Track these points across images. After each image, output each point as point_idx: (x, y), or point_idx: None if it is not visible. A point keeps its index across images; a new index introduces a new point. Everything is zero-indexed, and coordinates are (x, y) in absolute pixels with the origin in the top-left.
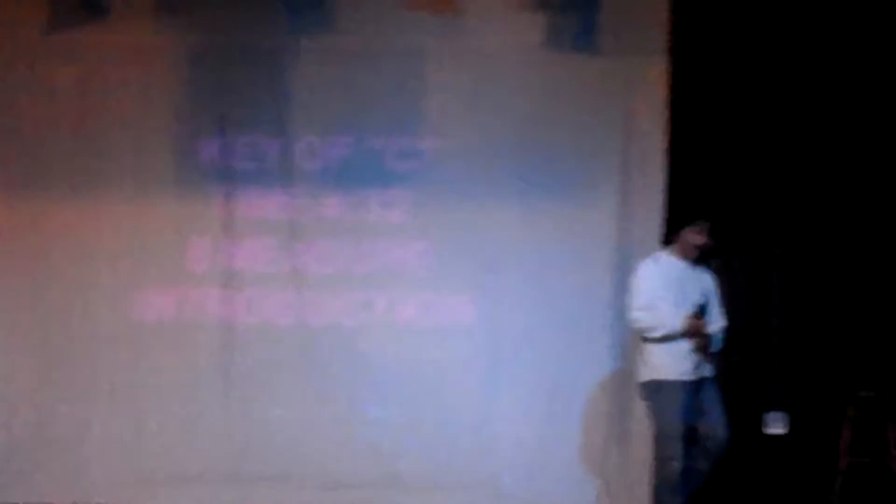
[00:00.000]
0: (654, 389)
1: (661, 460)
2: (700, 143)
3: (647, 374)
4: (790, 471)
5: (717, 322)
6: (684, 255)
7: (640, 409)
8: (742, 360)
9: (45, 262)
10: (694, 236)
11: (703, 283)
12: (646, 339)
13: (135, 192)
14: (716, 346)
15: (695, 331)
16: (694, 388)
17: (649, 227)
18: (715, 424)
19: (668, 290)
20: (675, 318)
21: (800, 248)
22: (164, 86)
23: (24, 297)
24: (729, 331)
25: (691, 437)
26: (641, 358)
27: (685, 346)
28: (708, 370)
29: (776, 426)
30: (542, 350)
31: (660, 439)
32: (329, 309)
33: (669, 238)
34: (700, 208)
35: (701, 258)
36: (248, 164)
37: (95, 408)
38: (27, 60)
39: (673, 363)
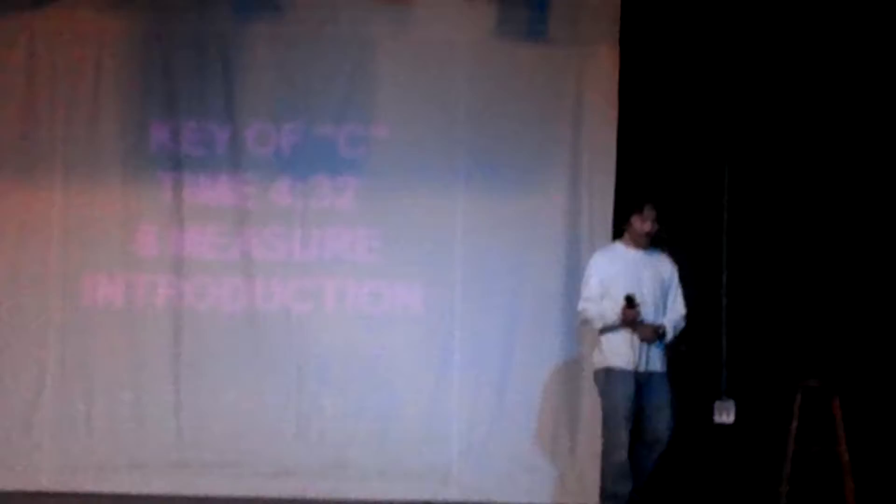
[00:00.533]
0: (604, 377)
1: (607, 447)
2: (650, 131)
3: (599, 361)
4: (738, 459)
5: (675, 310)
6: (635, 244)
7: (589, 398)
8: (690, 349)
9: None
10: (640, 223)
11: (660, 271)
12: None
13: (84, 177)
14: (673, 333)
15: (629, 321)
16: (642, 380)
17: (600, 216)
18: (657, 423)
19: (620, 280)
20: (616, 310)
21: (748, 236)
22: (113, 70)
23: None
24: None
25: (635, 431)
26: (597, 346)
27: (630, 334)
28: (658, 364)
29: (724, 415)
30: (491, 338)
31: (607, 427)
32: (278, 295)
33: (622, 228)
34: (646, 195)
35: (655, 244)
36: (197, 150)
37: (44, 393)
38: None
39: (622, 352)
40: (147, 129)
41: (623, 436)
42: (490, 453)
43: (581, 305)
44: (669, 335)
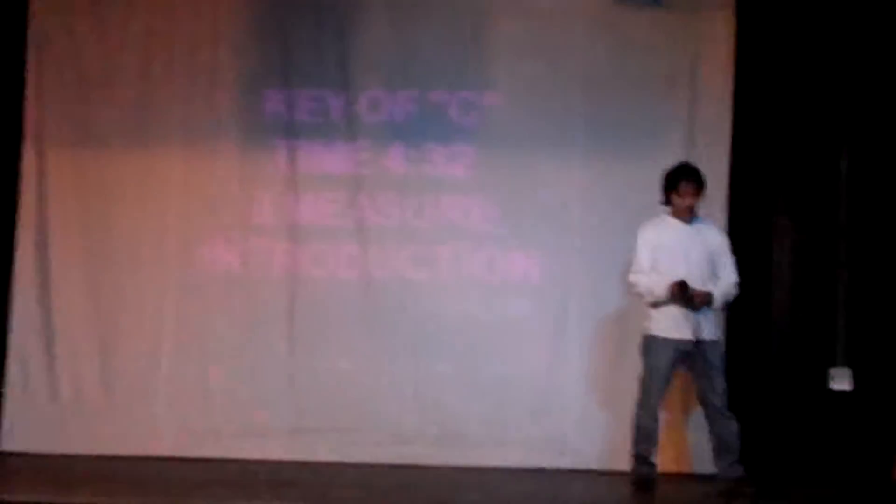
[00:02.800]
0: (647, 344)
1: (637, 410)
2: (766, 98)
3: (645, 328)
4: (855, 427)
5: (726, 278)
6: (679, 216)
7: None
8: (808, 316)
9: (112, 214)
10: (679, 199)
11: (708, 241)
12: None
13: (202, 145)
14: (723, 300)
15: (678, 299)
16: (690, 349)
17: (715, 182)
18: (707, 390)
19: (667, 251)
20: (666, 283)
21: (866, 202)
22: (229, 39)
23: (92, 248)
24: (741, 286)
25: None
26: (645, 312)
27: (678, 307)
28: (708, 332)
29: (841, 382)
30: (606, 307)
31: (641, 390)
32: (393, 263)
33: (666, 199)
34: (686, 171)
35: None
36: (311, 118)
37: (162, 359)
38: (93, 13)
39: (665, 321)
40: (262, 97)
41: (652, 400)
42: (605, 422)
43: (632, 278)
44: (718, 302)
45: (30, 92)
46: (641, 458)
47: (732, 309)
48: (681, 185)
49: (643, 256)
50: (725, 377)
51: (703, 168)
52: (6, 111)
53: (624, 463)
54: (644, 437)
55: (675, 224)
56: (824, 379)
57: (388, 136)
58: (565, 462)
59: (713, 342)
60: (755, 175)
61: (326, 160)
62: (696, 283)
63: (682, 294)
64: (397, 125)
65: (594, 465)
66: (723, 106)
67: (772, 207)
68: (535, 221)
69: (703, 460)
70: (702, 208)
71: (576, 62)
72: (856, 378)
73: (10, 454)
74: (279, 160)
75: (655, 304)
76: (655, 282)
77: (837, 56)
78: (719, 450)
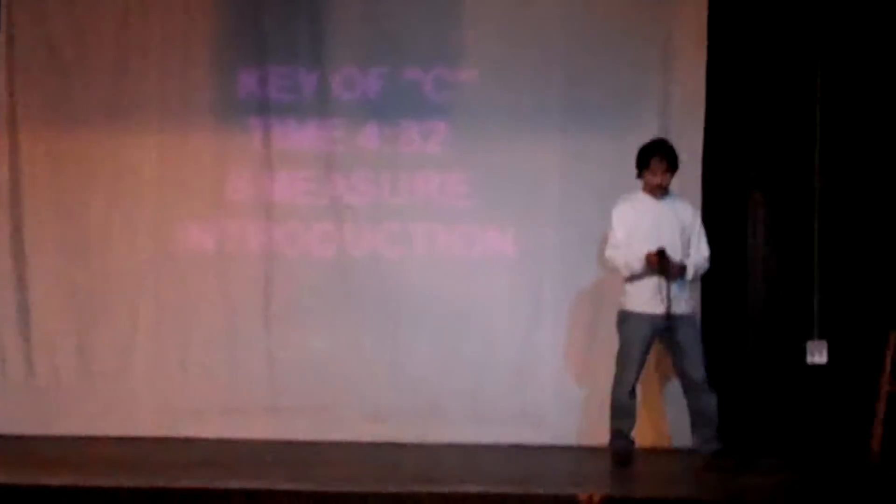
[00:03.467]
0: (622, 319)
1: (614, 385)
2: (739, 72)
3: (621, 302)
4: (831, 400)
5: (699, 252)
6: (651, 193)
7: None
8: (783, 290)
9: (86, 193)
10: (651, 177)
11: (680, 218)
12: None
13: (177, 124)
14: (694, 271)
15: (656, 267)
16: (665, 323)
17: (690, 157)
18: (686, 365)
19: (641, 227)
20: (642, 255)
21: (840, 176)
22: (202, 18)
23: (66, 228)
24: (717, 260)
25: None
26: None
27: (652, 282)
28: (683, 307)
29: (817, 355)
30: (582, 282)
31: (617, 365)
32: (368, 240)
33: (639, 177)
34: (655, 148)
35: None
36: (285, 96)
37: (138, 340)
38: None
39: (640, 295)
40: (235, 76)
41: (629, 376)
42: (583, 397)
43: (608, 253)
44: (690, 273)
45: (1, 74)
46: (619, 433)
47: (708, 284)
48: (652, 161)
49: (619, 232)
50: (703, 350)
51: (678, 145)
52: None
53: (602, 438)
54: (621, 412)
55: (647, 200)
56: (801, 353)
57: (363, 114)
58: (544, 437)
59: (688, 316)
60: (729, 151)
61: (300, 138)
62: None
63: (661, 262)
64: (371, 102)
65: (572, 441)
66: (697, 82)
67: (746, 183)
68: (511, 198)
69: (681, 435)
70: (677, 184)
71: (551, 39)
72: (831, 351)
73: None
74: (253, 138)
75: (632, 278)
76: (632, 254)
77: (811, 30)
78: (697, 424)
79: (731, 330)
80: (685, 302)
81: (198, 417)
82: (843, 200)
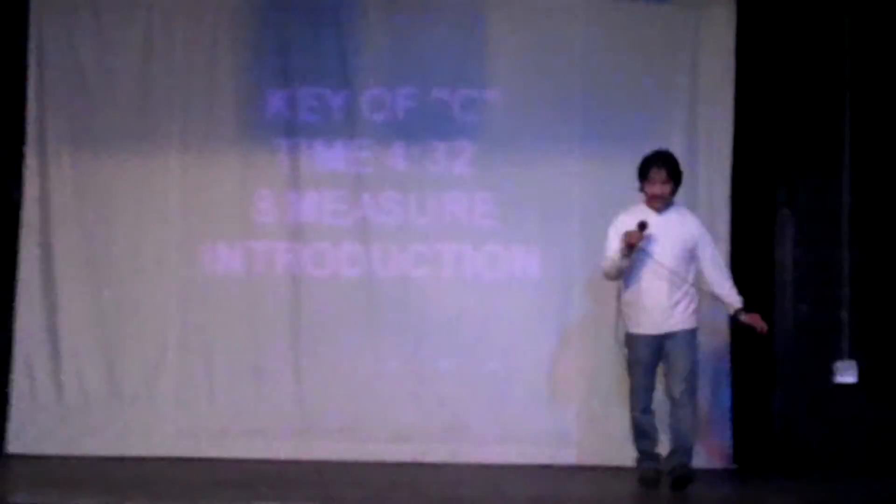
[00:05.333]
0: (627, 341)
1: (630, 408)
2: (768, 90)
3: (625, 325)
4: (860, 419)
5: (722, 274)
6: (651, 205)
7: (708, 360)
8: (812, 308)
9: (114, 215)
10: (649, 188)
11: (683, 230)
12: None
13: (202, 147)
14: (737, 292)
15: (633, 242)
16: (665, 342)
17: (717, 177)
18: (670, 382)
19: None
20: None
21: (870, 196)
22: (229, 39)
23: (94, 250)
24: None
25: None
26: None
27: (652, 301)
28: (679, 324)
29: (846, 375)
30: (607, 301)
31: (629, 388)
32: (395, 261)
33: (641, 190)
34: (658, 158)
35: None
36: (313, 117)
37: (166, 361)
38: (93, 13)
39: (638, 318)
40: (263, 97)
41: (641, 396)
42: (609, 417)
43: (602, 263)
44: (739, 302)
45: (31, 94)
46: (644, 454)
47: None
48: (650, 172)
49: (612, 243)
50: (693, 365)
51: (705, 162)
52: (8, 113)
53: (628, 458)
54: (641, 433)
55: (649, 212)
56: (830, 372)
57: (390, 134)
58: (569, 458)
59: (685, 332)
60: (758, 169)
61: (328, 159)
62: (665, 278)
63: (642, 229)
64: (399, 123)
65: (598, 461)
66: (725, 98)
67: (775, 200)
68: (536, 217)
69: (704, 456)
70: (706, 202)
71: (576, 57)
72: (861, 370)
73: (17, 456)
74: (281, 159)
75: (628, 302)
76: (610, 249)
77: (839, 49)
78: (672, 447)
79: (759, 347)
80: (684, 318)
81: (224, 438)
82: (873, 217)
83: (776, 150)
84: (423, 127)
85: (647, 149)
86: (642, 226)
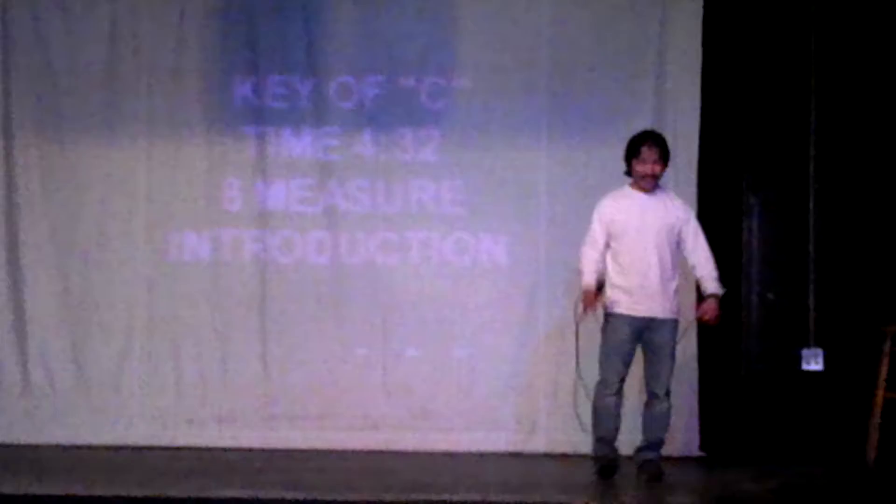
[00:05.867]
0: (606, 321)
1: (596, 389)
2: (734, 78)
3: (604, 305)
4: (827, 407)
5: (705, 261)
6: (641, 188)
7: (679, 347)
8: (778, 296)
9: (80, 202)
10: (641, 166)
11: (668, 213)
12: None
13: (168, 133)
14: (718, 280)
15: (586, 304)
16: (646, 326)
17: (684, 165)
18: (651, 367)
19: (627, 224)
20: (594, 272)
21: (836, 182)
22: (196, 26)
23: (60, 237)
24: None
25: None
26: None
27: (637, 283)
28: (660, 310)
29: (813, 362)
30: (575, 288)
31: (600, 369)
32: (363, 248)
33: (628, 170)
34: (645, 136)
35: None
36: (280, 104)
37: (133, 348)
38: (59, 3)
39: (622, 297)
40: (230, 84)
41: (612, 379)
42: (576, 405)
43: (582, 249)
44: (718, 289)
45: None
46: (603, 440)
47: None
48: (643, 149)
49: (595, 228)
50: (673, 357)
51: (672, 148)
52: None
53: None
54: (603, 416)
55: (634, 196)
56: (797, 359)
57: (357, 122)
58: (537, 445)
59: (669, 320)
60: (724, 155)
61: (295, 146)
62: (650, 257)
63: (592, 298)
64: (366, 110)
65: (566, 449)
66: (692, 87)
67: (741, 186)
68: (504, 204)
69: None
70: (672, 187)
71: (542, 46)
72: (827, 357)
73: None
74: (248, 147)
75: (613, 282)
76: (589, 270)
77: (806, 32)
78: (644, 440)
79: (726, 335)
80: (668, 305)
81: (191, 426)
82: (839, 204)
83: (743, 136)
84: (391, 114)
85: (615, 136)
86: (599, 287)
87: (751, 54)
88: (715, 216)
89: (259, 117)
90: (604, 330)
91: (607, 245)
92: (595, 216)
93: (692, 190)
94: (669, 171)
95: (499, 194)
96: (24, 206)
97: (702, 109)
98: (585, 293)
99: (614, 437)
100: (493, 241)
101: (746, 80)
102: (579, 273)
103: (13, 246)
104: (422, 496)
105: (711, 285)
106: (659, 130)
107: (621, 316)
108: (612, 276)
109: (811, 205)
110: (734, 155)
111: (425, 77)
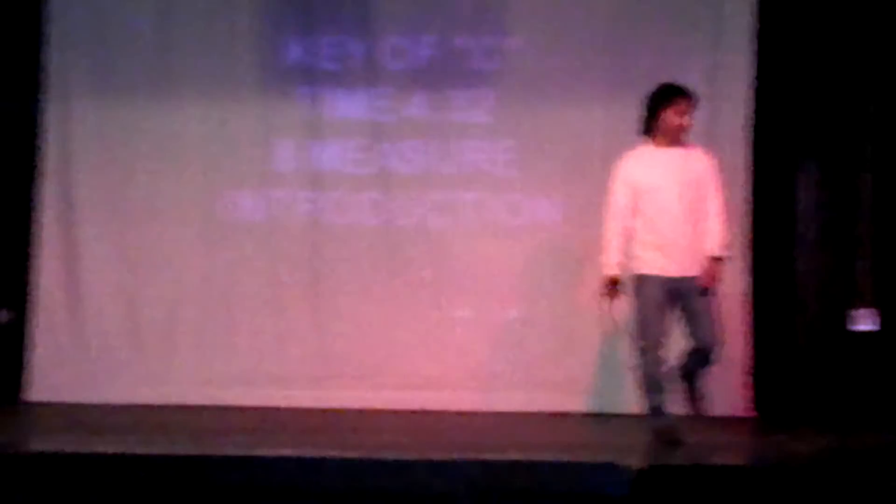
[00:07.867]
0: (636, 285)
1: (638, 357)
2: (790, 36)
3: (633, 267)
4: (879, 368)
5: (714, 227)
6: (669, 142)
7: None
8: (830, 256)
9: (134, 163)
10: (674, 116)
11: (693, 168)
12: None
13: (221, 94)
14: (712, 246)
15: (601, 292)
16: (679, 286)
17: (737, 123)
18: (695, 329)
19: (652, 184)
20: (616, 249)
21: (893, 144)
22: None
23: (115, 196)
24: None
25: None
26: (630, 252)
27: (669, 240)
28: (693, 269)
29: (865, 322)
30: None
31: (637, 335)
32: (416, 209)
33: (649, 125)
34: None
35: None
36: (333, 65)
37: (185, 308)
38: None
39: (651, 257)
40: (284, 45)
41: (652, 344)
42: (627, 366)
43: (608, 223)
44: (720, 251)
45: (51, 41)
46: (657, 410)
47: (757, 253)
48: (678, 98)
49: (618, 193)
50: (715, 317)
51: (726, 108)
52: (25, 62)
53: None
54: (653, 385)
55: (657, 153)
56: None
57: (411, 83)
58: (589, 405)
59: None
60: (779, 115)
61: (348, 107)
62: (676, 218)
63: (610, 292)
64: (419, 71)
65: (619, 409)
66: (746, 47)
67: (795, 148)
68: (557, 165)
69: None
70: (725, 145)
71: (597, 4)
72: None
73: (38, 404)
74: (301, 107)
75: (642, 241)
76: (610, 247)
77: (864, 16)
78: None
79: (779, 298)
80: (699, 263)
81: (243, 386)
82: (894, 167)
83: (799, 97)
84: (444, 75)
85: None
86: (615, 282)
87: (809, 12)
88: (769, 177)
89: (312, 78)
90: (636, 294)
91: (632, 209)
92: (617, 179)
93: (747, 150)
94: (722, 126)
95: (553, 155)
96: (78, 167)
97: (758, 68)
98: (604, 280)
99: (666, 404)
100: (547, 202)
101: (803, 36)
102: (602, 251)
103: (68, 207)
104: (470, 455)
105: (713, 245)
106: (712, 90)
107: (654, 278)
108: (642, 234)
109: (866, 164)
110: (789, 115)
111: (479, 37)
